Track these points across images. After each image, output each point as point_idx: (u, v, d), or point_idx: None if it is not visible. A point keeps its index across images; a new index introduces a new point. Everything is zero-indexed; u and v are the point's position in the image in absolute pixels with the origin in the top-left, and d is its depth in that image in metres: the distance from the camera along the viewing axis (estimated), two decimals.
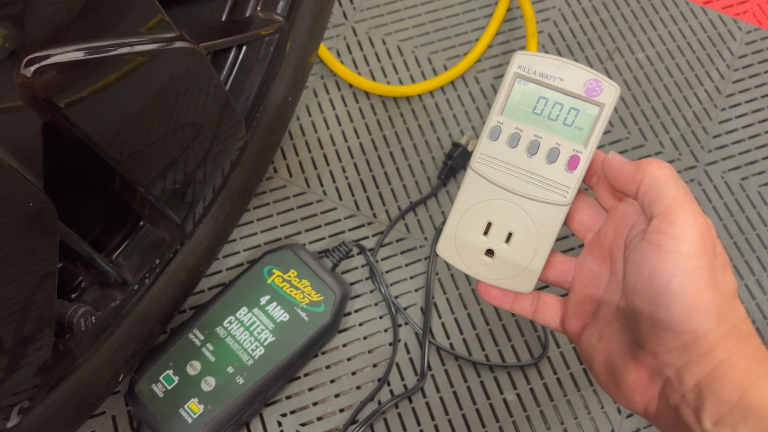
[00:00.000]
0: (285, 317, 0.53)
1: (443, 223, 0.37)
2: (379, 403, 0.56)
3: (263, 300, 0.54)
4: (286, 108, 0.60)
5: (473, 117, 0.68)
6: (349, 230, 0.62)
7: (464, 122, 0.67)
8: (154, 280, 0.49)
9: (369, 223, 0.62)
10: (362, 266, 0.60)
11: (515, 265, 0.38)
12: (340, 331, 0.58)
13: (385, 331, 0.58)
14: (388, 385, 0.56)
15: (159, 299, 0.50)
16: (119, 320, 0.46)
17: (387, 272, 0.60)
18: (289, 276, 0.55)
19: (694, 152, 0.67)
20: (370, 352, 0.58)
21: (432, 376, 0.57)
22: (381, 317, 0.59)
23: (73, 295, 0.44)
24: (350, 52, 0.70)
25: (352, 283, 0.60)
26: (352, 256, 0.60)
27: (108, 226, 0.46)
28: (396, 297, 0.59)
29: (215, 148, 0.49)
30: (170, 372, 0.51)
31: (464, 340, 0.58)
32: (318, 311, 0.54)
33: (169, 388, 0.51)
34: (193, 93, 0.43)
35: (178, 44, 0.40)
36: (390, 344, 0.58)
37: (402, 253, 0.61)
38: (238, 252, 0.61)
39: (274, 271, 0.55)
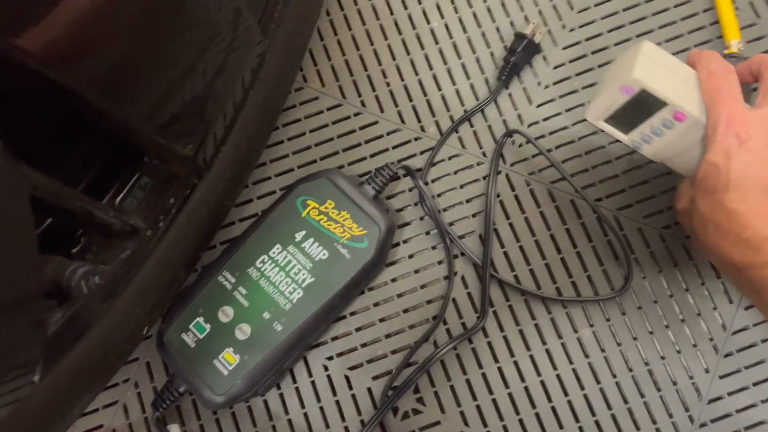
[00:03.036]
0: (324, 255, 0.47)
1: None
2: (435, 344, 0.50)
3: (298, 236, 0.47)
4: (311, 2, 0.50)
5: (542, 2, 0.55)
6: (393, 148, 0.53)
7: (529, 6, 0.55)
8: (170, 222, 0.42)
9: (416, 139, 0.53)
10: (410, 189, 0.52)
11: None
12: (388, 265, 0.51)
13: (439, 263, 0.51)
14: (445, 324, 0.50)
15: (179, 242, 0.44)
16: (133, 271, 0.41)
17: (439, 195, 0.52)
18: (327, 207, 0.47)
19: None
20: (422, 287, 0.51)
21: (494, 313, 0.50)
22: (434, 248, 0.51)
23: (75, 249, 0.38)
24: None
25: (399, 210, 0.52)
26: (398, 179, 0.52)
27: (107, 166, 0.39)
28: (450, 224, 0.51)
29: (224, 64, 0.40)
30: (200, 320, 0.46)
31: (531, 271, 0.50)
32: (360, 247, 0.47)
33: (201, 337, 0.46)
34: None
35: None
36: (445, 278, 0.51)
37: (456, 172, 0.52)
38: (269, 178, 0.53)
39: (309, 202, 0.48)
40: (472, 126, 0.53)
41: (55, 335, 0.35)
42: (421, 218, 0.52)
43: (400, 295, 0.51)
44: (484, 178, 0.52)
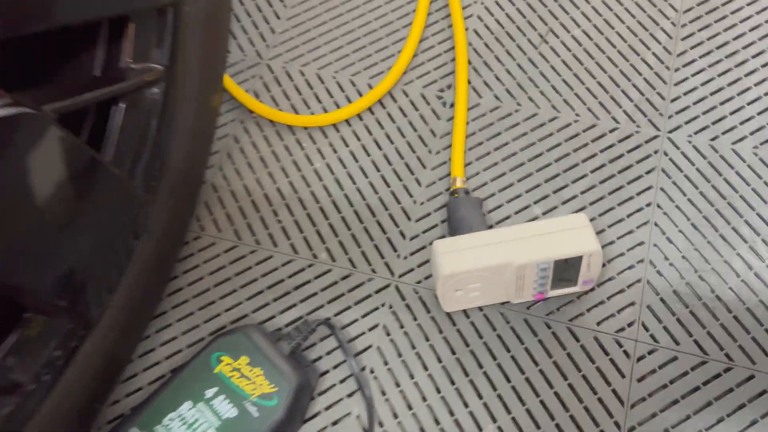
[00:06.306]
0: (232, 413, 0.47)
1: None
2: None
3: (209, 393, 0.48)
4: (194, 159, 0.55)
5: (406, 132, 0.62)
6: (289, 277, 0.56)
7: (398, 138, 0.62)
8: (57, 375, 0.43)
9: (310, 266, 0.57)
10: (321, 340, 0.54)
11: None
12: (306, 420, 0.51)
13: (357, 417, 0.51)
14: None
15: (70, 394, 0.45)
16: (18, 427, 0.41)
17: (345, 327, 0.54)
18: (240, 364, 0.49)
19: (653, 121, 0.61)
20: (334, 424, 0.51)
21: None
22: (350, 395, 0.51)
23: None
24: (269, 91, 0.66)
25: (316, 360, 0.53)
26: (314, 331, 0.52)
27: None
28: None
29: (99, 224, 0.44)
30: None
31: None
32: (269, 405, 0.47)
33: None
34: (44, 162, 0.39)
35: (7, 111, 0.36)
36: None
37: (350, 290, 0.55)
38: (170, 324, 0.55)
39: (224, 358, 0.49)
40: (359, 246, 0.57)
41: None
42: (335, 367, 0.52)
43: None
44: (376, 292, 0.55)
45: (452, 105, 0.63)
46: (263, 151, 0.63)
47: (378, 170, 0.61)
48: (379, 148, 0.62)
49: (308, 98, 0.65)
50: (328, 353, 0.53)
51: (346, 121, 0.64)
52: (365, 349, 0.53)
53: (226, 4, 0.55)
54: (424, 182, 0.60)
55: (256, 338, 0.50)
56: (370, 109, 0.64)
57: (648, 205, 0.57)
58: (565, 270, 0.50)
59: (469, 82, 0.64)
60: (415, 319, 0.54)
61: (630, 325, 0.52)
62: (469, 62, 0.65)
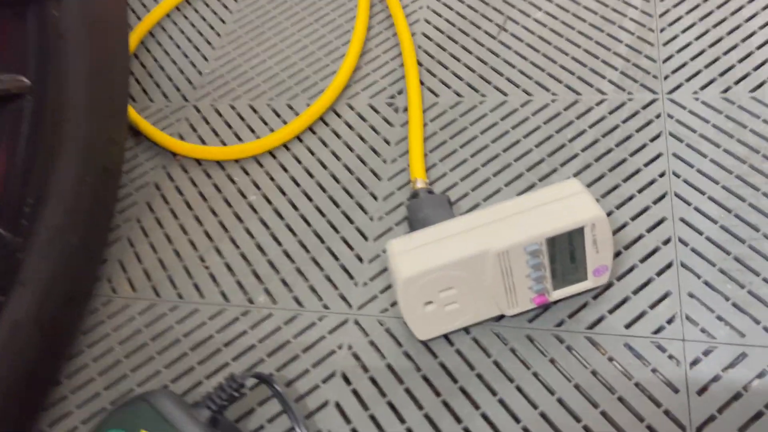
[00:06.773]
0: None
1: None
2: None
3: None
4: (91, 199, 0.45)
5: (356, 146, 0.52)
6: (218, 332, 0.44)
7: (346, 154, 0.52)
8: None
9: (244, 314, 0.44)
10: (264, 402, 0.41)
11: None
12: None
13: None
14: None
15: None
16: None
17: (293, 383, 0.41)
18: None
19: (647, 85, 0.50)
20: None
21: None
22: None
23: None
24: (195, 130, 0.57)
25: (257, 430, 0.39)
26: (244, 395, 0.40)
27: None
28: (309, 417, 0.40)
29: None
30: None
31: None
32: None
33: None
34: None
35: None
36: None
37: (295, 337, 0.42)
38: (70, 412, 0.42)
39: None
40: (306, 281, 0.45)
41: None
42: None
43: None
44: (330, 332, 0.42)
45: (405, 109, 0.54)
46: (189, 195, 0.53)
47: (325, 191, 0.50)
48: (325, 167, 0.51)
49: (240, 130, 0.56)
50: (270, 420, 0.39)
51: (284, 145, 0.54)
52: (320, 408, 0.39)
53: (118, 20, 0.48)
54: (381, 196, 0.48)
55: (163, 405, 0.36)
56: (311, 129, 0.54)
57: (662, 175, 0.45)
58: (565, 255, 0.37)
59: (422, 83, 0.55)
60: (383, 357, 0.40)
61: (670, 321, 0.38)
62: (421, 64, 0.56)
